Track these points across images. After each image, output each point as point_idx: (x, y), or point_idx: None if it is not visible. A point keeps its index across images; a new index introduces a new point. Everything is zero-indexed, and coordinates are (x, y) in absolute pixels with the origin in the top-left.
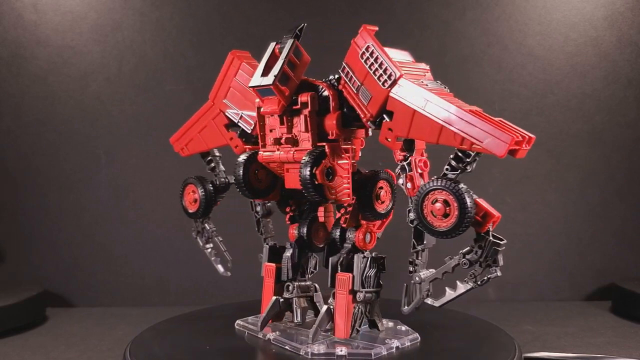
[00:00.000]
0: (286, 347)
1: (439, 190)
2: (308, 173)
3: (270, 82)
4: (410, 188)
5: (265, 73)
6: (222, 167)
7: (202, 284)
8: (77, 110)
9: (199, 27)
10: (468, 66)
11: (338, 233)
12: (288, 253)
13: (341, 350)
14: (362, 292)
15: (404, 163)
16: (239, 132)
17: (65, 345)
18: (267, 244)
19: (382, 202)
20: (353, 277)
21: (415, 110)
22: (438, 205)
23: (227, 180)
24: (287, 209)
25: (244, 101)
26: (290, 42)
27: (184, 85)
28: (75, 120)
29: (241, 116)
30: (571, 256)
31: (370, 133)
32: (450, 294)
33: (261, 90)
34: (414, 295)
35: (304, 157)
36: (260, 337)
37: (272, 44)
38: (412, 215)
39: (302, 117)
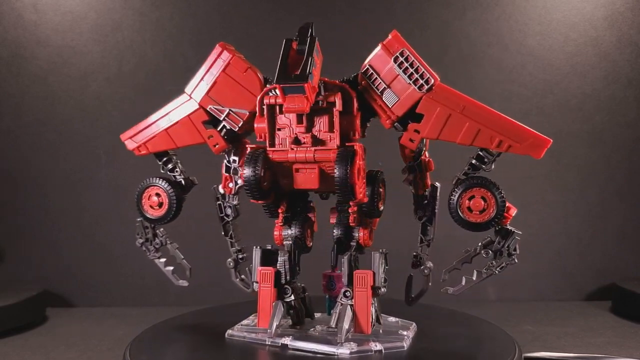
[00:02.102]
0: (314, 349)
1: (477, 188)
2: (346, 173)
3: (307, 80)
4: (420, 186)
5: (290, 71)
6: (181, 167)
7: (202, 285)
8: (77, 110)
9: (199, 27)
10: (468, 66)
11: (341, 232)
12: (284, 255)
13: (376, 345)
14: (381, 287)
15: (414, 163)
16: (224, 130)
17: (65, 345)
18: (257, 247)
19: (380, 200)
20: (374, 273)
21: (452, 113)
22: (476, 201)
23: (191, 180)
24: (280, 210)
25: (233, 97)
26: (312, 40)
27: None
28: (75, 120)
29: (228, 113)
30: (571, 256)
31: (365, 135)
32: (468, 281)
33: (287, 88)
34: (420, 287)
35: (337, 157)
36: (269, 343)
37: (286, 41)
38: (420, 212)
39: (327, 116)
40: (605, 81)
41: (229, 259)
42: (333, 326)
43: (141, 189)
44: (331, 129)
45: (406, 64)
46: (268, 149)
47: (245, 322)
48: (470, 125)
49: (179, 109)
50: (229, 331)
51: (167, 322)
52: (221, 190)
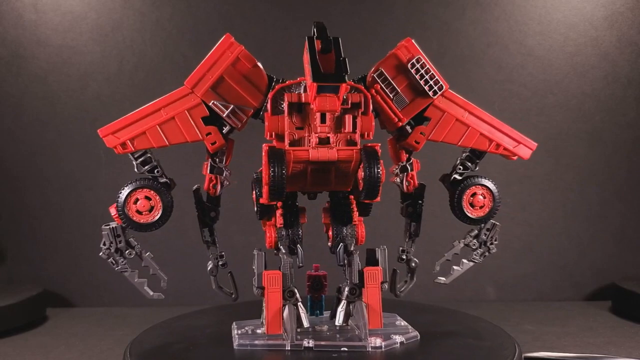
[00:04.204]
0: (342, 348)
1: (479, 186)
2: (378, 172)
3: (344, 81)
4: (410, 185)
5: (324, 69)
6: (161, 166)
7: (202, 284)
8: (77, 110)
9: (199, 27)
10: (468, 66)
11: (341, 231)
12: (287, 257)
13: (398, 337)
14: (385, 282)
15: (407, 164)
16: (225, 127)
17: (65, 345)
18: (260, 251)
19: None
20: (383, 270)
21: (457, 118)
22: (479, 198)
23: (172, 180)
24: (279, 212)
25: (239, 93)
26: (336, 40)
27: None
28: (75, 120)
29: (233, 110)
30: (571, 256)
31: None
32: (457, 271)
33: (323, 87)
34: (409, 280)
35: (367, 156)
36: (290, 348)
37: (309, 39)
38: (410, 209)
39: (350, 116)
40: (605, 81)
41: (210, 267)
42: (340, 324)
43: (129, 191)
44: (354, 129)
45: (421, 70)
46: (287, 147)
47: (238, 332)
48: (472, 129)
49: (175, 103)
50: (236, 345)
51: (167, 322)
52: (203, 192)
